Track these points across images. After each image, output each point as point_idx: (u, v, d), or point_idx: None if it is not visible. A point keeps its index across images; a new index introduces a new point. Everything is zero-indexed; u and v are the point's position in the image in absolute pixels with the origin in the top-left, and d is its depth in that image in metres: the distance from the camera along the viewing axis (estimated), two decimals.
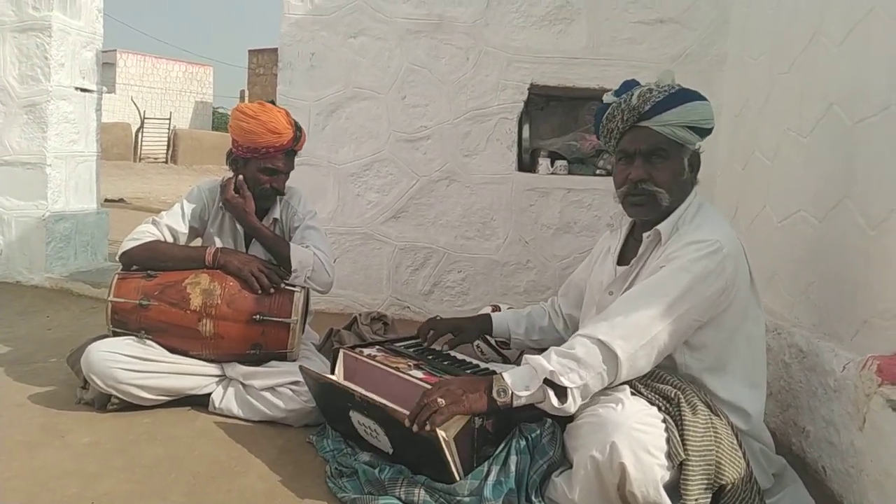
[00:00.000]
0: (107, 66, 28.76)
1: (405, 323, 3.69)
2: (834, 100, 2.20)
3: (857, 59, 2.09)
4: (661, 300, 1.69)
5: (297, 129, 2.52)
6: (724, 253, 1.72)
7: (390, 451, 1.90)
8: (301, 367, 2.18)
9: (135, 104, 25.02)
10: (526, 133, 3.77)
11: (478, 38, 3.70)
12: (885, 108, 1.89)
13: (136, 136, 22.52)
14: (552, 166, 3.75)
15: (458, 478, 1.70)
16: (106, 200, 9.51)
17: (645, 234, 1.89)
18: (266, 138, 2.42)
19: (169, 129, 23.57)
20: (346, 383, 2.06)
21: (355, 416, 1.96)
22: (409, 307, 3.85)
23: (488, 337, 2.37)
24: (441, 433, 1.66)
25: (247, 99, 26.85)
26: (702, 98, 1.87)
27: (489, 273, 3.77)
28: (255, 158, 2.47)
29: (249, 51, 29.46)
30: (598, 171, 3.73)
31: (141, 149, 22.45)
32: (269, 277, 2.34)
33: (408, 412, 1.72)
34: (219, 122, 35.56)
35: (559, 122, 3.91)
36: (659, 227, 1.85)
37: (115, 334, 2.34)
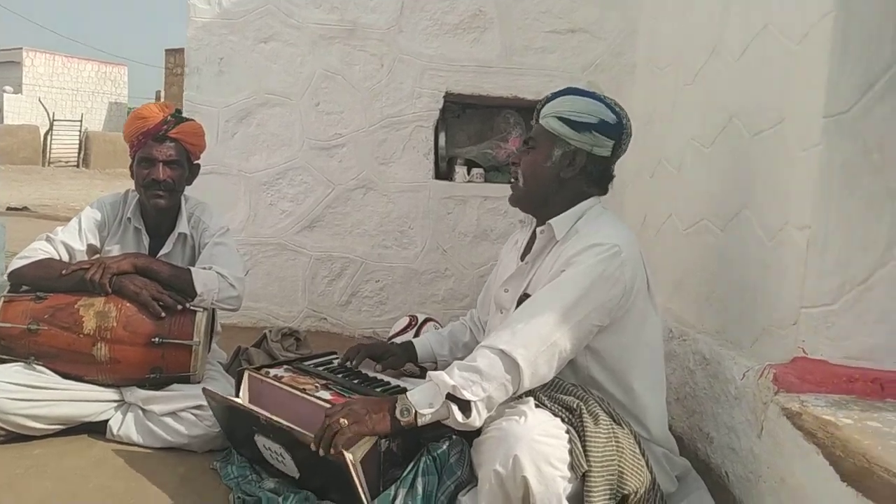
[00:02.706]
0: (12, 64, 27.38)
1: (321, 335, 3.62)
2: (734, 112, 2.26)
3: (753, 74, 2.16)
4: (560, 305, 1.69)
5: (176, 116, 2.42)
6: (623, 257, 1.74)
7: (297, 475, 1.84)
8: (204, 390, 2.09)
9: (43, 105, 23.84)
10: (442, 141, 3.76)
11: (392, 45, 3.66)
12: (780, 122, 1.95)
13: (45, 138, 21.45)
14: (469, 174, 3.75)
15: (365, 503, 1.66)
16: (8, 209, 9.02)
17: (538, 229, 1.92)
18: (134, 125, 2.38)
19: (80, 131, 22.56)
20: (251, 406, 1.99)
21: (260, 441, 1.89)
22: (325, 318, 3.77)
23: None
24: (348, 455, 1.61)
25: (162, 99, 25.99)
26: (587, 94, 1.91)
27: (407, 282, 3.74)
28: (136, 156, 2.40)
29: (166, 50, 28.38)
30: (513, 180, 3.74)
31: (50, 152, 21.39)
32: (173, 299, 2.23)
33: (313, 435, 1.67)
34: None
35: (475, 130, 3.91)
36: (551, 221, 1.87)
37: (2, 361, 2.19)
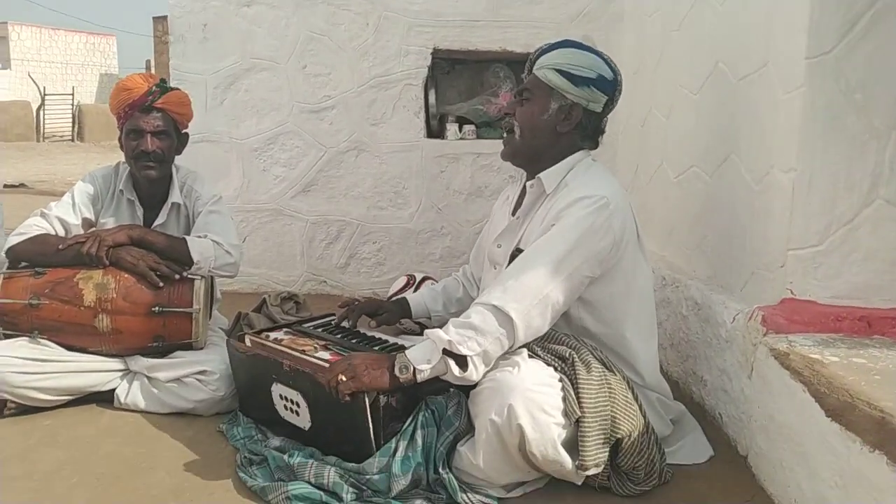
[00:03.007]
0: None
1: (322, 298, 3.65)
2: (720, 57, 2.25)
3: (738, 17, 2.15)
4: (551, 259, 1.72)
5: (161, 86, 2.41)
6: (612, 209, 1.76)
7: (308, 425, 1.89)
8: (228, 341, 2.16)
9: (33, 80, 23.59)
10: (432, 98, 3.73)
11: (376, 3, 3.61)
12: (763, 66, 1.95)
13: (38, 114, 21.27)
14: (461, 131, 3.74)
15: (374, 447, 1.72)
16: (4, 186, 9.01)
17: (528, 184, 1.94)
18: (119, 97, 2.38)
19: (73, 104, 22.36)
20: (277, 350, 2.02)
21: (278, 390, 1.94)
22: (325, 282, 3.81)
23: None
24: (366, 397, 1.67)
25: (153, 68, 25.70)
26: (586, 48, 1.91)
27: (404, 242, 3.76)
28: (123, 127, 2.40)
29: (154, 18, 27.98)
30: (505, 135, 3.74)
31: (44, 127, 21.24)
32: (169, 268, 2.26)
33: None
34: None
35: (465, 86, 3.88)
36: (540, 175, 1.89)
37: (6, 336, 2.22)
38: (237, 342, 2.12)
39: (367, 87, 3.67)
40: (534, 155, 1.93)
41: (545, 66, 1.88)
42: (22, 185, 9.50)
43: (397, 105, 3.69)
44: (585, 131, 1.92)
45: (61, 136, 21.30)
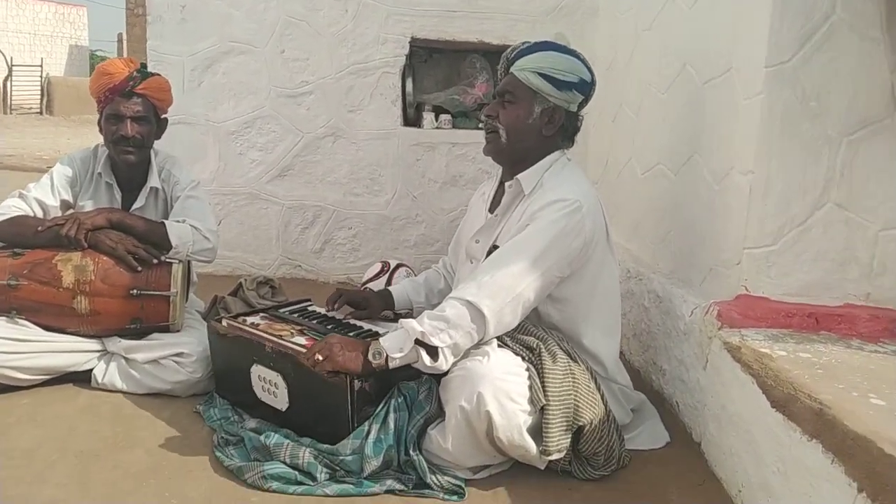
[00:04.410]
0: None
1: (296, 282, 3.71)
2: (687, 59, 2.34)
3: (705, 22, 2.23)
4: (525, 259, 1.80)
5: (141, 72, 2.44)
6: (584, 212, 1.84)
7: (285, 406, 1.96)
8: (208, 323, 2.21)
9: (0, 51, 23.00)
10: (409, 87, 3.78)
11: None
12: (727, 71, 2.04)
13: (4, 85, 20.79)
14: (437, 120, 3.79)
15: (350, 429, 1.79)
16: None
17: (507, 184, 2.00)
18: (100, 82, 2.40)
19: (41, 76, 21.87)
20: (258, 333, 2.07)
21: (257, 371, 2.00)
22: (300, 266, 3.86)
23: None
24: (347, 378, 1.75)
25: (125, 42, 25.17)
26: (568, 52, 1.95)
27: (379, 228, 3.81)
28: (103, 112, 2.43)
29: None
30: (480, 125, 3.78)
31: (11, 99, 20.77)
32: (147, 252, 2.29)
33: None
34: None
35: (442, 76, 3.93)
36: (519, 176, 1.95)
37: None
38: (218, 324, 2.17)
39: (345, 74, 3.70)
40: (518, 156, 1.98)
41: (526, 68, 1.91)
42: None
43: (374, 92, 3.73)
44: (566, 132, 1.99)
45: (29, 109, 20.84)
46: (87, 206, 2.47)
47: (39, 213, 2.41)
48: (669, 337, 2.23)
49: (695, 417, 2.02)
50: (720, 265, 2.03)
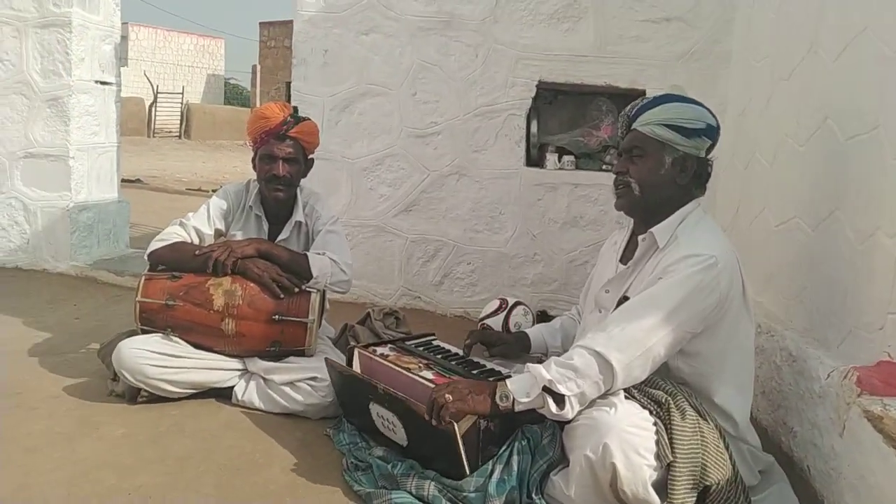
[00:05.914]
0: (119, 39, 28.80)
1: (415, 312, 3.83)
2: (828, 113, 2.28)
3: (850, 76, 2.17)
4: (657, 313, 1.79)
5: (294, 117, 2.63)
6: (720, 268, 1.81)
7: (405, 443, 2.04)
8: (327, 360, 2.33)
9: (147, 78, 25.09)
10: (534, 128, 3.86)
11: (487, 36, 3.78)
12: (875, 128, 1.98)
13: (150, 110, 22.63)
14: (559, 161, 3.85)
15: (467, 470, 1.84)
16: (123, 181, 9.66)
17: (640, 237, 2.00)
18: (257, 124, 2.60)
19: (182, 103, 23.66)
20: (384, 363, 2.19)
21: (375, 409, 2.09)
22: (419, 297, 3.99)
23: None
24: (456, 426, 1.80)
25: (258, 73, 26.83)
26: (689, 101, 1.96)
27: (498, 265, 3.89)
28: (258, 151, 2.63)
29: (260, 23, 29.32)
30: (604, 167, 3.82)
31: (154, 123, 22.58)
32: (290, 281, 2.47)
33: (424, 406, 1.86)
34: (231, 94, 35.53)
35: (567, 117, 3.99)
36: (653, 230, 1.95)
37: (144, 331, 2.48)
38: (335, 362, 2.29)
39: (472, 116, 3.83)
40: (653, 209, 1.98)
41: (651, 122, 1.92)
42: (138, 180, 10.18)
43: (500, 133, 3.84)
44: (699, 179, 1.98)
45: (169, 132, 22.56)
46: (238, 235, 2.68)
47: (196, 240, 2.64)
48: (802, 398, 2.15)
49: (828, 485, 1.94)
50: (861, 328, 1.96)
